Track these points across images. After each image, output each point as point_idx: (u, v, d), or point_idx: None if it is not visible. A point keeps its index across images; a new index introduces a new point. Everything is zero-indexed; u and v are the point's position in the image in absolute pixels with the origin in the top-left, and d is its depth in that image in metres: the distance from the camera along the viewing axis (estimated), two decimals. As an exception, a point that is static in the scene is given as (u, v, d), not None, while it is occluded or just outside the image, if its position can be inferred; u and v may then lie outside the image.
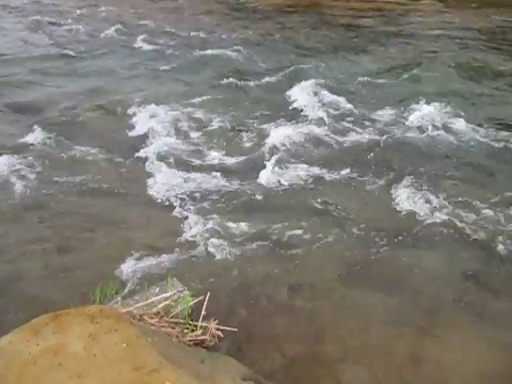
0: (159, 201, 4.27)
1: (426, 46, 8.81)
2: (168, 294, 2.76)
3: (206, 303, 2.83)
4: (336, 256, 3.64)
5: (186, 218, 3.99)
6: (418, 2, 12.73)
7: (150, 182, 4.53)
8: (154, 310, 2.72)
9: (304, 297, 3.28)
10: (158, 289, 2.97)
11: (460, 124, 5.52)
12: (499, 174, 4.68)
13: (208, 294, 2.86)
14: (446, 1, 12.72)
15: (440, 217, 3.99)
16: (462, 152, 5.04)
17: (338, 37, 9.55)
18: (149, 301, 2.75)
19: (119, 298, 2.93)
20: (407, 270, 3.54)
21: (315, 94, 6.26)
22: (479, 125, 5.54)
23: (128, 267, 3.43)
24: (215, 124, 5.64)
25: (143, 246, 3.64)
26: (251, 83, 6.87)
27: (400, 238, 3.82)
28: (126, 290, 3.17)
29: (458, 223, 3.92)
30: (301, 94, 6.25)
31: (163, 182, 4.48)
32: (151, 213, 4.14)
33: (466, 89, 6.76)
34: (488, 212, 4.06)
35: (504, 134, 5.35)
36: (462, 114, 5.75)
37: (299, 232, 3.83)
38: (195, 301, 2.85)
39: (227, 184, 4.46)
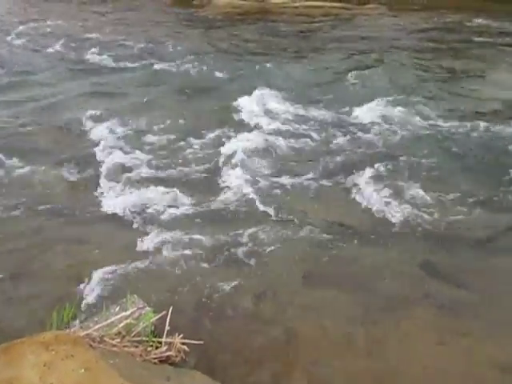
0: (114, 217, 4.16)
1: (374, 48, 9.05)
2: (128, 313, 2.67)
3: (168, 318, 2.77)
4: (299, 259, 3.65)
5: (143, 232, 3.90)
6: (364, 6, 13.08)
7: (103, 197, 4.42)
8: (115, 330, 2.63)
9: (269, 303, 3.27)
10: (118, 308, 2.88)
11: (413, 121, 5.69)
12: (455, 168, 4.84)
13: (170, 309, 2.79)
14: (390, 5, 13.14)
15: (399, 213, 4.08)
16: (418, 148, 5.18)
17: (288, 42, 9.67)
18: (109, 321, 2.66)
19: (77, 321, 2.82)
20: (370, 267, 3.60)
21: (268, 100, 6.29)
22: (432, 120, 5.73)
23: (86, 288, 3.31)
24: (169, 136, 5.56)
25: (100, 264, 3.52)
26: (204, 93, 6.84)
27: (361, 236, 3.88)
28: (85, 312, 3.06)
29: (417, 218, 4.02)
30: (254, 102, 6.25)
31: (117, 198, 4.37)
32: (107, 229, 4.03)
33: (415, 86, 6.98)
34: (445, 206, 4.18)
35: (457, 128, 5.55)
36: (413, 110, 5.93)
37: (261, 239, 3.82)
38: (157, 317, 2.79)
39: (184, 196, 4.39)
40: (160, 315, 2.79)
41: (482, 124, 5.57)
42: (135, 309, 2.74)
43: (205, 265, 3.58)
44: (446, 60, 8.26)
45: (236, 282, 3.41)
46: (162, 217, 4.12)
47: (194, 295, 3.31)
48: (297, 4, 13.39)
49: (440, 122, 5.67)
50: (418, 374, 2.78)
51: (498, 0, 13.11)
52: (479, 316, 3.15)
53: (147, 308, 2.84)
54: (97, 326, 2.60)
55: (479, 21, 10.95)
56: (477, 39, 9.54)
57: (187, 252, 3.66)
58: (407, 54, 8.58)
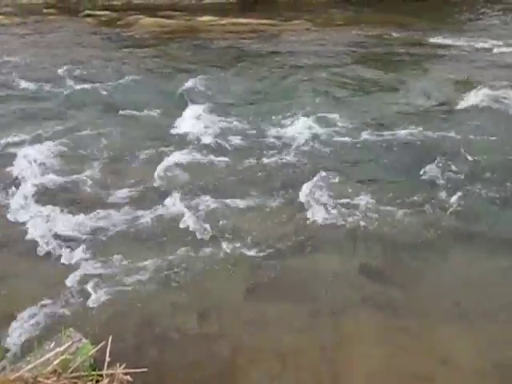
0: (43, 246, 3.91)
1: (301, 62, 9.32)
2: (63, 348, 2.50)
3: (108, 348, 2.62)
4: (241, 274, 3.62)
5: (75, 261, 3.70)
6: (290, 22, 13.48)
7: (30, 226, 4.16)
8: (50, 368, 2.45)
9: (213, 321, 3.21)
10: (52, 344, 2.69)
11: (341, 132, 5.86)
12: (384, 175, 5.03)
13: (110, 339, 2.64)
14: (314, 21, 13.66)
15: (335, 221, 4.16)
16: (347, 158, 5.35)
17: (217, 59, 9.73)
18: (42, 359, 2.47)
19: (7, 364, 2.60)
20: (311, 275, 3.64)
21: (201, 117, 6.27)
22: (360, 130, 5.92)
23: (16, 326, 3.08)
24: (100, 158, 5.38)
25: (31, 298, 3.30)
26: (135, 113, 6.68)
27: (301, 246, 3.92)
28: (15, 353, 2.84)
29: (352, 225, 4.12)
30: (188, 120, 6.21)
31: (45, 225, 4.13)
32: (36, 260, 3.78)
33: (340, 98, 7.24)
34: (378, 211, 4.31)
35: (383, 136, 5.77)
36: (341, 122, 6.12)
37: (201, 258, 3.75)
38: (96, 348, 2.63)
39: (117, 218, 4.23)
40: (99, 346, 2.63)
41: (407, 131, 5.86)
42: (70, 343, 2.57)
43: (145, 289, 3.45)
44: (370, 72, 8.65)
45: (178, 304, 3.32)
46: (95, 242, 3.94)
47: (135, 321, 3.18)
48: (224, 22, 13.56)
49: (367, 132, 5.87)
50: (363, 374, 2.84)
51: (415, 15, 14.02)
52: (415, 313, 3.27)
53: (84, 340, 2.68)
54: (29, 366, 2.41)
55: (399, 34, 11.62)
56: (397, 51, 10.09)
57: (123, 277, 3.52)
58: (333, 68, 8.91)
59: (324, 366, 2.90)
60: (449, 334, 3.10)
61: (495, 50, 10.04)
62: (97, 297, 3.36)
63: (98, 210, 4.33)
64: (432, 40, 11.06)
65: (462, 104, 6.82)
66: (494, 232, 4.10)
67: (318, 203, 4.37)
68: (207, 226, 4.14)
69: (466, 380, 2.81)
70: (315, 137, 5.74)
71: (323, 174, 4.88)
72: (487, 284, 3.56)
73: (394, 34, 11.66)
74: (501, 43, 10.51)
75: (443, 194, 4.57)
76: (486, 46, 10.37)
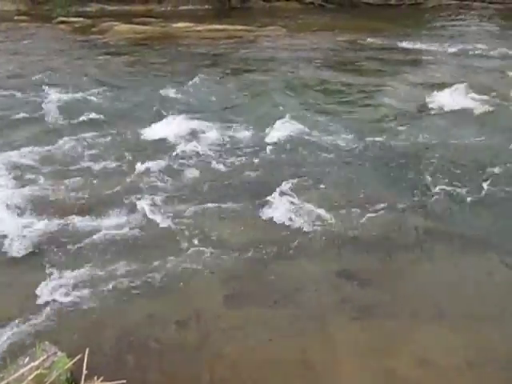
0: (14, 257, 3.79)
1: (276, 67, 9.39)
2: (37, 362, 2.44)
3: (85, 361, 2.56)
4: (219, 282, 3.59)
5: (48, 272, 3.59)
6: (265, 28, 13.58)
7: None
8: (25, 383, 2.39)
9: (193, 330, 3.17)
10: (27, 359, 2.62)
11: (319, 136, 5.90)
12: (360, 178, 5.05)
13: (87, 351, 2.59)
14: (290, 27, 13.80)
15: (313, 225, 4.17)
16: (324, 162, 5.37)
17: (194, 65, 9.70)
18: (16, 374, 2.40)
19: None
20: (290, 280, 3.63)
21: (176, 124, 6.21)
22: (337, 134, 5.98)
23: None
24: (73, 167, 5.26)
25: (2, 312, 3.20)
26: (109, 120, 6.59)
27: (279, 252, 3.91)
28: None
29: (329, 229, 4.14)
30: (162, 127, 6.16)
31: (15, 234, 3.99)
32: (6, 272, 3.66)
33: (315, 102, 7.32)
34: (354, 215, 4.34)
35: (359, 139, 5.84)
36: (319, 126, 6.17)
37: (178, 266, 3.69)
38: (73, 361, 2.57)
39: (93, 227, 4.14)
40: (76, 359, 2.58)
41: (380, 134, 5.94)
42: (45, 357, 2.51)
43: (120, 299, 3.38)
44: (344, 76, 8.77)
45: (156, 313, 3.27)
46: (68, 251, 3.85)
47: (113, 332, 3.12)
48: (200, 28, 13.57)
49: (341, 136, 5.93)
50: (344, 376, 2.85)
51: (389, 21, 14.28)
52: (393, 314, 3.30)
53: (60, 354, 2.62)
54: (3, 383, 2.34)
55: (372, 40, 11.80)
56: (371, 56, 10.25)
57: (99, 288, 3.45)
58: (307, 73, 9.01)
59: (305, 370, 2.90)
60: (426, 334, 3.14)
61: (466, 55, 10.29)
62: (72, 308, 3.28)
63: (72, 219, 4.24)
64: (405, 45, 11.28)
65: (435, 107, 6.96)
66: (468, 232, 4.18)
67: (294, 209, 4.38)
68: (183, 232, 4.10)
69: (443, 380, 2.85)
70: (290, 142, 5.76)
71: (299, 179, 4.91)
72: (464, 284, 3.61)
73: (368, 40, 11.84)
74: (471, 47, 10.78)
75: (417, 196, 4.64)
76: (458, 50, 10.62)
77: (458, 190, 4.72)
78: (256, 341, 3.09)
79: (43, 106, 7.34)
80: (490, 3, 17.38)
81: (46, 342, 2.70)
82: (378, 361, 2.95)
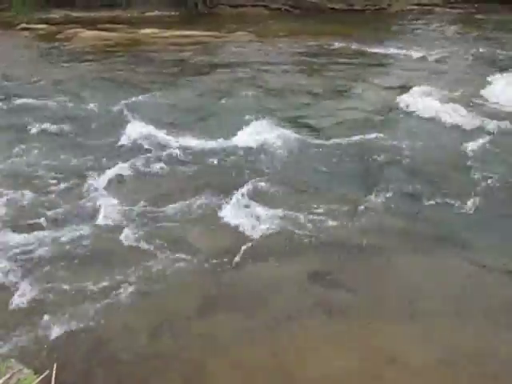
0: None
1: (244, 72, 9.38)
2: (1, 380, 2.33)
3: (54, 376, 2.48)
4: (190, 289, 3.54)
5: (13, 285, 3.47)
6: (234, 34, 13.57)
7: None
8: (-12, 403, 2.28)
9: (166, 338, 3.12)
10: (-9, 377, 2.51)
11: (287, 140, 5.90)
12: (328, 180, 5.10)
13: (55, 366, 2.50)
14: (258, 32, 13.83)
15: (284, 228, 4.16)
16: (292, 165, 5.39)
17: (161, 71, 9.62)
18: (-21, 394, 2.30)
19: None
20: (263, 284, 3.62)
21: (144, 131, 6.09)
22: (304, 137, 6.01)
23: None
24: (38, 177, 5.09)
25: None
26: (74, 129, 6.43)
27: (250, 256, 3.88)
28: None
29: (301, 231, 4.13)
30: (129, 134, 6.04)
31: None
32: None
33: (283, 107, 7.35)
34: (326, 216, 4.35)
35: (327, 142, 5.90)
36: (284, 129, 6.18)
37: (149, 273, 3.62)
38: (40, 378, 2.48)
39: (59, 238, 4.00)
40: (43, 375, 2.48)
41: (347, 137, 5.99)
42: (10, 374, 2.41)
43: (90, 311, 3.28)
44: (312, 81, 8.86)
45: (128, 324, 3.20)
46: (33, 264, 3.71)
47: (82, 346, 3.02)
48: (167, 34, 13.45)
49: (310, 139, 5.97)
50: (317, 377, 2.86)
51: (356, 26, 14.51)
52: (364, 315, 3.32)
53: (26, 371, 2.51)
54: (-36, 403, 2.23)
55: (340, 44, 11.95)
56: (338, 61, 10.38)
57: (67, 300, 3.34)
58: (276, 77, 9.06)
59: (278, 372, 2.90)
60: (396, 333, 3.17)
61: (430, 58, 10.54)
62: (39, 323, 3.15)
63: (36, 231, 4.09)
64: (371, 49, 11.46)
65: (400, 110, 7.10)
66: (436, 231, 4.25)
67: (263, 212, 4.36)
68: (152, 239, 4.02)
69: (413, 378, 2.88)
70: (259, 146, 5.74)
71: (268, 182, 4.90)
72: (433, 283, 3.67)
73: (336, 44, 11.99)
74: (434, 52, 11.04)
75: (388, 197, 4.68)
76: (422, 54, 10.86)
77: (426, 190, 4.80)
78: (229, 346, 3.06)
79: (5, 114, 7.13)
80: (451, 8, 17.89)
81: (12, 360, 2.60)
82: (351, 361, 2.96)
